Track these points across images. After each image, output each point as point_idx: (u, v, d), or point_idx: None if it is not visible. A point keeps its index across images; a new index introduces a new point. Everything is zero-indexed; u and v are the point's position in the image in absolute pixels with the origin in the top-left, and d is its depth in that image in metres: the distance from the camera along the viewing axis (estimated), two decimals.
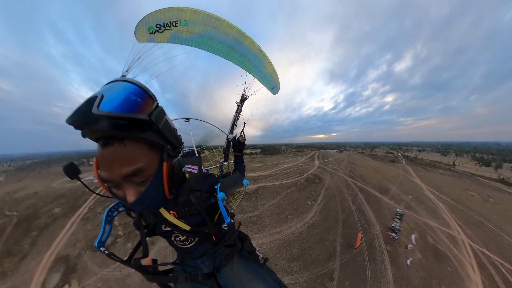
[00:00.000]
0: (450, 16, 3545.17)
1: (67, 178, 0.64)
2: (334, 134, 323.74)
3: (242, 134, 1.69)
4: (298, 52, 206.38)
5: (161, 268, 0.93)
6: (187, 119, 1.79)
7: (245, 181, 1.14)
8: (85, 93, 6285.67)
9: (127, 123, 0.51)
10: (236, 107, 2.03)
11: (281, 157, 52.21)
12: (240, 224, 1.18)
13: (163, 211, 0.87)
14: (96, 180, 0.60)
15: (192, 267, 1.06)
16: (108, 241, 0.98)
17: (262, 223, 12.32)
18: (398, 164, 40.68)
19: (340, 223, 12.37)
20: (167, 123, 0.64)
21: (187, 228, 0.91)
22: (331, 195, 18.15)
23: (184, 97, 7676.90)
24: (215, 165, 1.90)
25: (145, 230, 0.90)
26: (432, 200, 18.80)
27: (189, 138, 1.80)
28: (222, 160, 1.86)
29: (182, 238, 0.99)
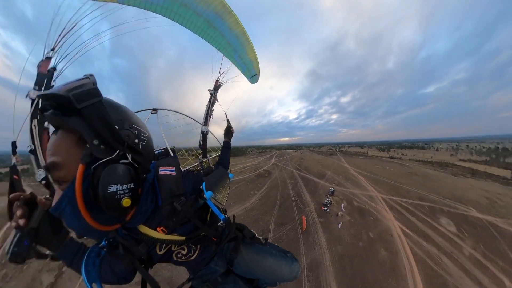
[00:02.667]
0: (375, 83, 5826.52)
1: None
2: (296, 138, 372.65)
3: (230, 125, 1.65)
4: (281, 69, 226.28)
5: None
6: (155, 110, 1.52)
7: (230, 175, 1.17)
8: None
9: (55, 105, 0.45)
10: (209, 95, 1.77)
11: (243, 158, 54.04)
12: (234, 217, 1.20)
13: (149, 232, 0.68)
14: None
15: (209, 273, 0.99)
16: None
17: None
18: (335, 156, 53.08)
19: (276, 206, 13.18)
20: (100, 108, 0.46)
21: (182, 238, 0.77)
22: (274, 185, 19.20)
23: (144, 72, 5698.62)
24: (194, 163, 1.75)
25: (142, 265, 0.72)
26: (355, 176, 23.07)
27: (160, 134, 1.52)
28: (201, 156, 1.72)
29: (184, 252, 0.87)
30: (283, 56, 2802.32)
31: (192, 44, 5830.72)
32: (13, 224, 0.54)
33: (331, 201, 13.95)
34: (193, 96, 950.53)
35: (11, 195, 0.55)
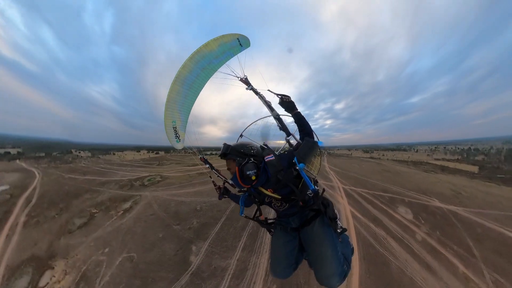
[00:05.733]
0: (367, 92, 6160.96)
1: None
2: (292, 141, 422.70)
3: (280, 95, 1.80)
4: (279, 73, 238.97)
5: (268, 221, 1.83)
6: (241, 135, 2.25)
7: (319, 143, 1.51)
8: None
9: (221, 155, 1.54)
10: (252, 91, 2.00)
11: None
12: (324, 190, 1.71)
13: (263, 190, 1.56)
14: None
15: (285, 222, 1.70)
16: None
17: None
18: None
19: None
20: (235, 150, 1.48)
21: (279, 197, 1.52)
22: None
23: (141, 65, 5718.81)
24: (283, 145, 2.15)
25: (258, 203, 1.73)
26: (326, 171, 21.99)
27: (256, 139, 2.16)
28: (286, 136, 2.01)
29: (278, 204, 1.62)
30: (283, 61, 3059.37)
31: (198, 43, 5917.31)
32: (218, 193, 2.05)
33: None
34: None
35: (216, 187, 2.10)
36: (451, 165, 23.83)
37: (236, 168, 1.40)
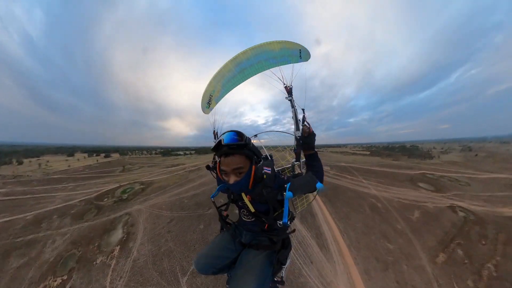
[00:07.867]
0: (323, 110, 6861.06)
1: None
2: (262, 141, 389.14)
3: (305, 122, 1.53)
4: (261, 80, 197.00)
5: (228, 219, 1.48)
6: (255, 135, 2.03)
7: (318, 185, 1.14)
8: None
9: (236, 146, 1.04)
10: (290, 103, 1.88)
11: (209, 155, 54.97)
12: (294, 230, 1.37)
13: (243, 194, 1.25)
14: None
15: (239, 231, 1.46)
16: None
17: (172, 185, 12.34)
18: None
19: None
20: (253, 145, 1.15)
21: (252, 210, 1.23)
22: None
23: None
24: (286, 165, 1.90)
25: (232, 199, 1.38)
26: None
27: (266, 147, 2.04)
28: (294, 159, 1.75)
29: (245, 213, 1.38)
30: (267, 71, 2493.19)
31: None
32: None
33: None
34: (165, 73, 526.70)
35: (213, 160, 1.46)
36: (358, 152, 37.94)
37: (253, 166, 1.07)
